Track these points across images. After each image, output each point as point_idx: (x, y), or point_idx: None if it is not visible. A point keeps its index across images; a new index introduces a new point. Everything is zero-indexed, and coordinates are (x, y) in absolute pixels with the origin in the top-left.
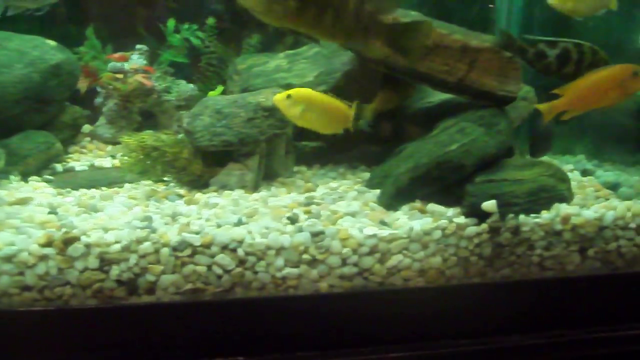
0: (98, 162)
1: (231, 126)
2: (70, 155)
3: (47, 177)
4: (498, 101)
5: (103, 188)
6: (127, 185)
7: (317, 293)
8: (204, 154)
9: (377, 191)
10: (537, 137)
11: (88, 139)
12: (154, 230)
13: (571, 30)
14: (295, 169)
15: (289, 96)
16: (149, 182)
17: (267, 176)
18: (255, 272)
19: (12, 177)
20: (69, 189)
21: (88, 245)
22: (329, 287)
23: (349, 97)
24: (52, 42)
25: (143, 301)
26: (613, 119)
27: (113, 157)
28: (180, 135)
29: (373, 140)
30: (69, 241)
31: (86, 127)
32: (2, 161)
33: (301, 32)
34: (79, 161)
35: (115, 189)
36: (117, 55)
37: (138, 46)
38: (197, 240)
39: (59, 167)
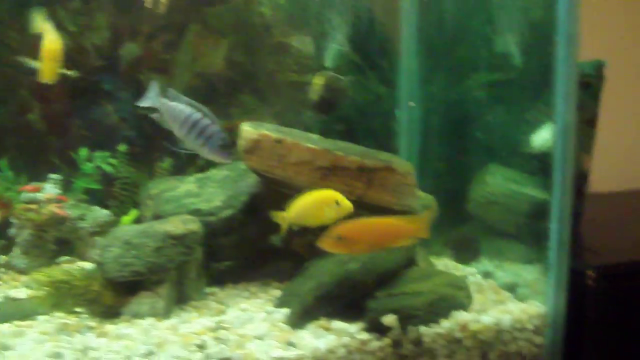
0: (13, 292)
1: (140, 256)
2: None
3: None
4: (397, 215)
5: (16, 322)
6: (41, 317)
7: None
8: (115, 284)
9: (287, 310)
10: (461, 244)
11: (3, 269)
12: None
13: (468, 134)
14: (208, 290)
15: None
16: (63, 314)
17: (180, 300)
18: None
19: None
20: None
21: None
22: None
23: (256, 218)
24: None
25: None
26: (509, 218)
27: (28, 287)
28: (90, 267)
29: (284, 256)
30: None
31: (1, 258)
32: None
33: None
34: None
35: (29, 322)
36: (29, 186)
37: (51, 175)
38: None
39: None
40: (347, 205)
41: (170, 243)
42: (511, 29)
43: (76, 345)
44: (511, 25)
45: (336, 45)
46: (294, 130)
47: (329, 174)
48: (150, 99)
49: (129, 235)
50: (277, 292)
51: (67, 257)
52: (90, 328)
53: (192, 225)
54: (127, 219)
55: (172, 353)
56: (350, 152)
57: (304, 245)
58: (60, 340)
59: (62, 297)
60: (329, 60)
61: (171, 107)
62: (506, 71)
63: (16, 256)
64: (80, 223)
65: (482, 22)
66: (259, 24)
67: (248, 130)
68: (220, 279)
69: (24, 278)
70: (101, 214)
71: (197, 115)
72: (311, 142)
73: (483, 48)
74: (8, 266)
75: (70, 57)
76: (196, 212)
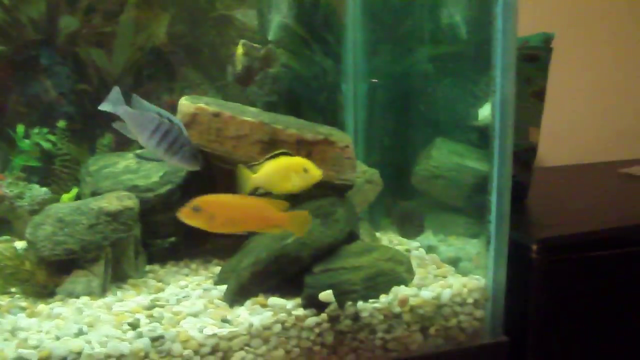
0: None
1: (73, 234)
2: None
3: None
4: (337, 189)
5: None
6: None
7: None
8: (48, 263)
9: (224, 287)
10: (405, 218)
11: None
12: None
13: (414, 108)
14: (148, 268)
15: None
16: None
17: (119, 279)
18: None
19: None
20: None
21: None
22: None
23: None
24: None
25: None
26: (455, 192)
27: None
28: (21, 246)
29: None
30: None
31: None
32: None
33: None
34: None
35: None
36: None
37: None
38: (34, 356)
39: None
40: (315, 173)
41: (104, 220)
42: (458, 1)
43: (5, 326)
44: None
45: (280, 18)
46: (233, 103)
47: (267, 147)
48: (112, 105)
49: (62, 213)
50: (218, 269)
51: (6, 237)
52: (22, 308)
53: (128, 201)
54: (67, 196)
55: (103, 332)
56: (289, 125)
57: None
58: None
59: None
60: (272, 33)
61: (137, 116)
62: (453, 44)
63: None
64: (19, 202)
65: None
66: None
67: (185, 104)
68: (161, 257)
69: None
70: (40, 192)
71: (166, 124)
72: (249, 115)
73: (429, 20)
74: None
75: (5, 32)
76: (134, 189)
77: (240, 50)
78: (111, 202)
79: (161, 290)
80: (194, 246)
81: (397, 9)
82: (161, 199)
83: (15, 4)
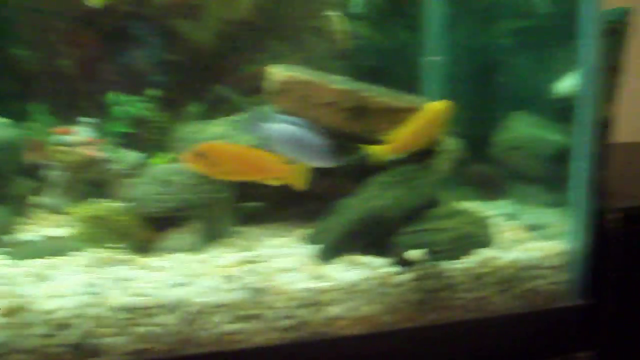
0: (49, 232)
1: (174, 193)
2: (21, 226)
3: (3, 249)
4: (421, 156)
5: (53, 257)
6: (76, 253)
7: (260, 345)
8: (149, 219)
9: (313, 247)
10: (483, 181)
11: (38, 210)
12: (99, 295)
13: (493, 81)
14: (239, 229)
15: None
16: (98, 249)
17: (211, 237)
18: (199, 330)
19: None
20: (27, 260)
21: (36, 313)
22: (269, 339)
23: None
24: None
25: None
26: (535, 163)
27: (64, 226)
28: (126, 204)
29: (310, 198)
30: (15, 310)
31: (34, 199)
32: None
33: None
34: (30, 232)
35: (65, 257)
36: (61, 129)
37: (83, 119)
38: (140, 303)
39: (10, 238)
40: (443, 106)
41: (202, 181)
42: None
43: (110, 277)
44: None
45: None
46: (321, 73)
47: (355, 115)
48: (251, 128)
49: (162, 173)
50: (304, 231)
51: (99, 199)
52: (124, 261)
53: None
54: (157, 160)
55: (203, 284)
56: (376, 94)
57: (327, 186)
58: (94, 272)
59: (98, 232)
60: (354, 6)
61: (278, 132)
62: (533, 17)
63: (50, 197)
64: (112, 165)
65: None
66: None
67: (277, 72)
68: (249, 219)
69: (58, 218)
70: (132, 156)
71: (303, 134)
72: (338, 83)
73: None
74: (42, 206)
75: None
76: None
77: (340, 24)
78: None
79: (251, 249)
80: (280, 210)
81: None
82: None
83: None
